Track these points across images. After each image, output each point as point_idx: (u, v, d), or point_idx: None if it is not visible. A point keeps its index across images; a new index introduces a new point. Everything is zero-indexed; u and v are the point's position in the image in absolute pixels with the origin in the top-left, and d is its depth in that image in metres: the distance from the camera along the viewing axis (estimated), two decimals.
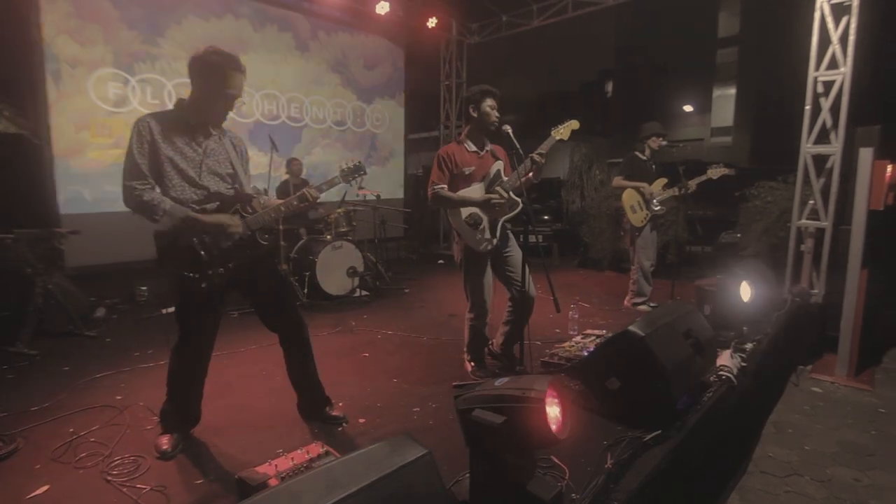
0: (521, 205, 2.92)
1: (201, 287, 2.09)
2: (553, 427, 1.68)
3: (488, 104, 2.93)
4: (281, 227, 4.82)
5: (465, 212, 2.95)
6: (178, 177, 2.10)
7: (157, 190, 2.09)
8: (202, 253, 2.08)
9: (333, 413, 2.54)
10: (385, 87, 7.95)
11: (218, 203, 2.18)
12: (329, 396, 2.60)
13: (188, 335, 2.23)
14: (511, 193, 2.92)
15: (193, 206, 2.11)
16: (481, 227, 2.94)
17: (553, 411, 1.72)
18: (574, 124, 3.00)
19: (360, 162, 2.47)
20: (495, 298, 3.09)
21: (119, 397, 2.82)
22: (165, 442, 2.23)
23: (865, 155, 3.85)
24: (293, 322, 2.42)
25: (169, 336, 2.31)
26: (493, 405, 1.72)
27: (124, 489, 1.95)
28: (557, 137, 2.99)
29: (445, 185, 2.94)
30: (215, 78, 2.07)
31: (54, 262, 4.41)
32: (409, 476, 1.25)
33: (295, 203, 2.25)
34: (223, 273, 2.14)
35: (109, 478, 2.02)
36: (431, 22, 7.54)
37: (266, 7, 6.33)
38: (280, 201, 2.28)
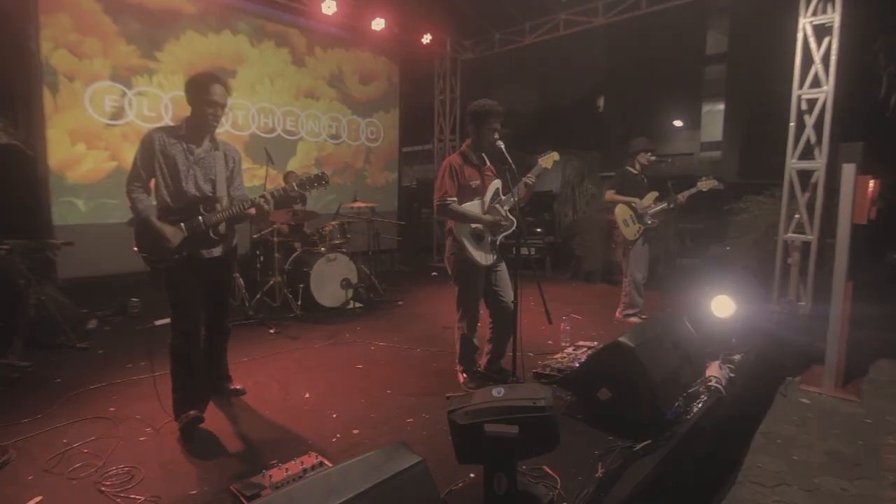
0: (515, 223, 3.05)
1: (159, 267, 2.50)
2: None
3: (493, 125, 2.97)
4: (276, 238, 4.86)
5: (471, 226, 3.03)
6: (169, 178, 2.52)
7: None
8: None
9: (234, 387, 2.98)
10: (380, 101, 8.04)
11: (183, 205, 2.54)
12: (231, 375, 3.03)
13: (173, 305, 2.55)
14: (508, 213, 3.04)
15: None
16: (483, 241, 3.02)
17: None
18: (555, 156, 3.26)
19: (324, 172, 2.71)
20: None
21: (112, 409, 2.81)
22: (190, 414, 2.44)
23: (848, 170, 3.95)
24: (223, 316, 2.87)
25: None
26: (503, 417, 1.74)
27: (118, 500, 1.95)
28: (544, 166, 3.21)
29: (456, 199, 2.98)
30: (201, 90, 2.47)
31: (47, 274, 4.40)
32: (405, 483, 1.27)
33: (238, 209, 2.56)
34: (181, 257, 2.50)
35: (103, 488, 2.02)
36: (426, 39, 7.66)
37: (264, 23, 6.41)
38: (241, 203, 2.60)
